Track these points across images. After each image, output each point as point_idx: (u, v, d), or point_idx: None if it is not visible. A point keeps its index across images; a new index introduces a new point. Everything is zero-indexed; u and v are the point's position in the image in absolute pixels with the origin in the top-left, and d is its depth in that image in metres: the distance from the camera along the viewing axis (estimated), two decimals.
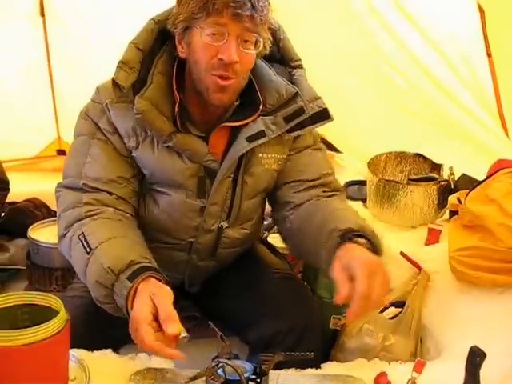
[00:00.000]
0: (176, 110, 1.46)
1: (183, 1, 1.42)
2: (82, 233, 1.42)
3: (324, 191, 1.62)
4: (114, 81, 1.47)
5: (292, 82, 1.56)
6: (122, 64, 1.47)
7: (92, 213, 1.46)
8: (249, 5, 1.37)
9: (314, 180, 1.62)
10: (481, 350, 1.23)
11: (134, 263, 1.32)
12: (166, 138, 1.47)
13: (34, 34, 2.79)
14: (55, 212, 2.45)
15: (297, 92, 1.53)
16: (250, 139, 1.51)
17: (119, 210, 1.50)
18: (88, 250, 1.38)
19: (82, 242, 1.40)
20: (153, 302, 1.23)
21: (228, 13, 1.37)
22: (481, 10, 2.33)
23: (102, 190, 1.49)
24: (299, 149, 1.63)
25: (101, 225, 1.44)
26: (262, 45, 1.45)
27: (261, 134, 1.51)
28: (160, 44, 1.52)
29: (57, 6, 2.75)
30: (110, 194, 1.49)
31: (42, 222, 2.34)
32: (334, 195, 1.63)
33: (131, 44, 1.50)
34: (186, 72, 1.50)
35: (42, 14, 2.75)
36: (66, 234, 1.47)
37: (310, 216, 1.55)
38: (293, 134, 1.57)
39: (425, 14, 2.45)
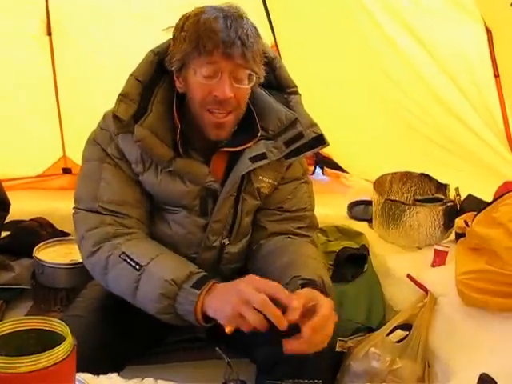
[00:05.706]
0: (178, 137, 1.51)
1: (177, 41, 1.46)
2: (123, 252, 1.47)
3: (299, 227, 1.67)
4: (114, 114, 1.51)
5: (289, 108, 1.60)
6: (123, 97, 1.52)
7: (121, 232, 1.52)
8: (238, 43, 1.41)
9: (291, 212, 1.68)
10: (490, 377, 1.22)
11: (194, 273, 1.41)
12: (167, 163, 1.52)
13: (40, 53, 2.78)
14: (60, 232, 2.51)
15: (296, 118, 1.58)
16: (253, 160, 1.56)
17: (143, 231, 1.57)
18: (137, 267, 1.44)
19: (126, 260, 1.46)
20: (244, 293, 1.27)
21: (219, 52, 1.41)
22: (488, 31, 2.33)
23: (118, 212, 1.54)
24: (287, 179, 1.68)
25: (140, 243, 1.52)
26: (255, 78, 1.49)
27: (263, 156, 1.56)
28: (160, 74, 1.55)
29: (64, 26, 2.75)
30: (128, 216, 1.55)
31: (47, 241, 2.34)
32: (306, 236, 1.67)
33: (131, 76, 1.54)
34: (186, 102, 1.54)
35: (49, 34, 2.75)
36: (94, 253, 1.52)
37: (278, 253, 1.60)
38: (290, 160, 1.62)
39: (433, 35, 2.45)
